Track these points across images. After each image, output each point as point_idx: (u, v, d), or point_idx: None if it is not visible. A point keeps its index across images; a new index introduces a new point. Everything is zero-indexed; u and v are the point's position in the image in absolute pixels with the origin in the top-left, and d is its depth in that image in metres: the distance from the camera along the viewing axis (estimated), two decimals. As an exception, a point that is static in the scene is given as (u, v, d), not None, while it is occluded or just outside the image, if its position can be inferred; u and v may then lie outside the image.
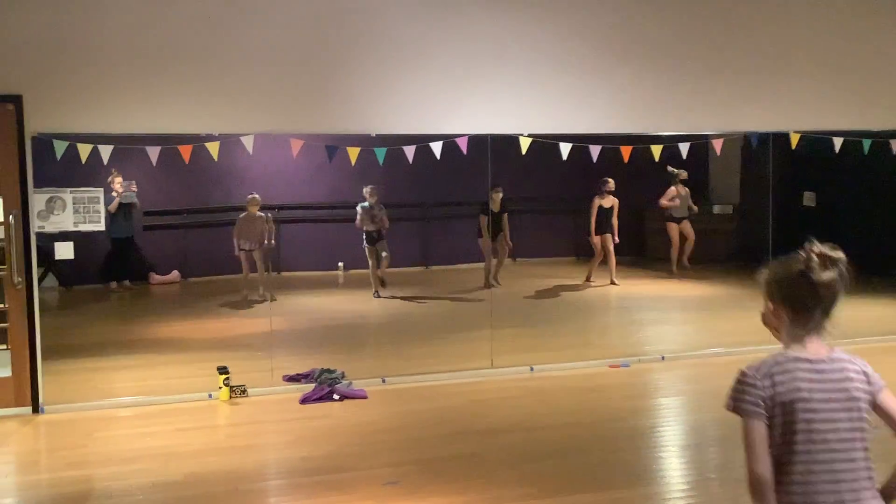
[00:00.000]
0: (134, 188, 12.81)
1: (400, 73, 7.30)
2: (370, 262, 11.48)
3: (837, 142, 8.53)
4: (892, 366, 7.58)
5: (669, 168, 12.49)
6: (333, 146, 7.23)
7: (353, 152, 7.26)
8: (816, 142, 8.70)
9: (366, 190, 11.25)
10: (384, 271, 11.55)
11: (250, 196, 11.68)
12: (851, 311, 8.53)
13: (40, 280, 12.54)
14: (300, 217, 14.49)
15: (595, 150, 7.86)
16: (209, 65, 6.82)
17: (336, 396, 6.85)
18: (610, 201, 12.07)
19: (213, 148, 6.86)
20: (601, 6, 7.79)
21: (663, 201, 12.76)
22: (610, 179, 11.93)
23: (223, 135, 6.85)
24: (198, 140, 6.84)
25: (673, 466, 5.44)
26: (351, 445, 5.72)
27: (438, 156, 7.45)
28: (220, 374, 6.90)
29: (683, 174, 12.69)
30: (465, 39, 7.45)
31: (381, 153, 7.41)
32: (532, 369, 7.69)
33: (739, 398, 2.39)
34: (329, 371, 7.30)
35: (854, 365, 2.48)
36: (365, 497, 4.76)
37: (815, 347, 2.47)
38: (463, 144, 7.44)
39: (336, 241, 14.81)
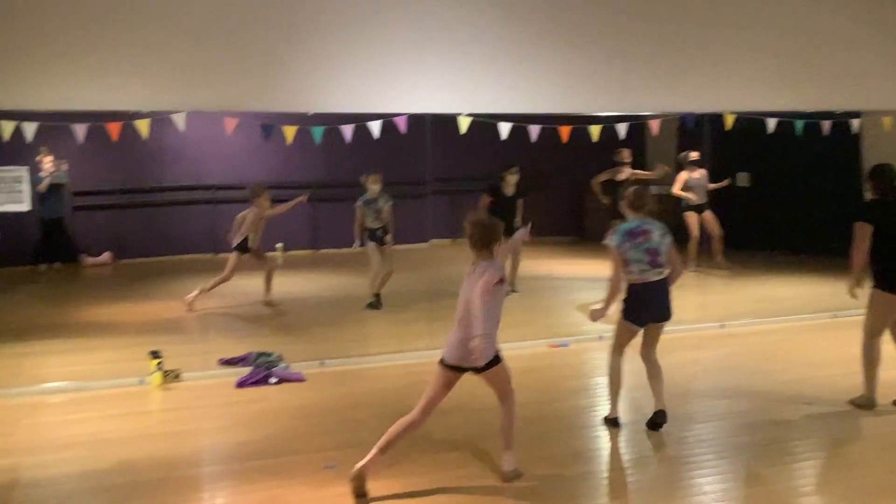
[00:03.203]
0: (65, 167, 12.44)
1: (338, 49, 7.13)
2: (373, 263, 9.46)
3: (771, 122, 8.65)
4: (816, 343, 7.82)
5: (682, 154, 11.91)
6: (269, 124, 7.05)
7: (290, 131, 7.11)
8: (751, 122, 8.83)
9: (367, 178, 9.25)
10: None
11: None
12: (782, 291, 8.78)
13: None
14: (239, 197, 14.21)
15: (534, 130, 7.84)
16: (139, 38, 6.52)
17: (273, 380, 6.73)
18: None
19: (143, 125, 6.64)
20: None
21: (675, 190, 11.71)
22: (624, 149, 11.04)
23: (153, 112, 6.64)
24: (126, 117, 6.62)
25: (611, 445, 5.46)
26: (288, 429, 5.62)
27: (377, 135, 7.35)
28: (152, 358, 6.72)
29: (694, 155, 11.77)
30: (406, 17, 7.31)
31: (318, 132, 7.27)
32: (472, 350, 7.66)
33: None
34: (266, 354, 7.17)
35: (488, 271, 4.50)
36: (303, 482, 4.69)
37: (474, 261, 4.57)
38: (402, 123, 7.34)
39: (275, 222, 14.57)
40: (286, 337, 8.18)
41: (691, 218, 11.86)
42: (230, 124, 6.84)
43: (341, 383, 6.76)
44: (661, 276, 5.44)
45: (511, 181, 9.91)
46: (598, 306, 5.47)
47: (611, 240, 5.43)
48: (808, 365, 7.05)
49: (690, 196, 11.73)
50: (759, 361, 7.23)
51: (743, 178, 14.72)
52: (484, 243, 4.55)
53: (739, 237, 14.37)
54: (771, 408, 5.98)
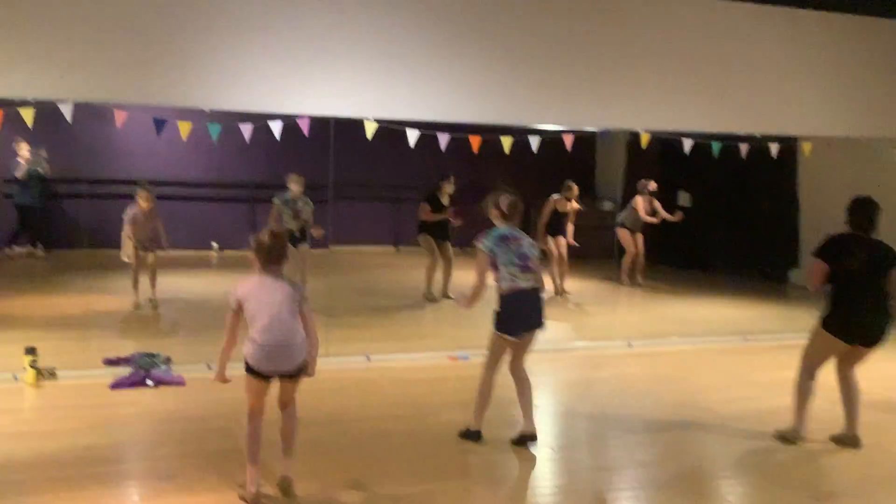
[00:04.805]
0: (43, 153, 12.39)
1: (240, 45, 6.93)
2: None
3: (687, 143, 8.58)
4: (718, 366, 7.72)
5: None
6: (162, 119, 6.86)
7: (184, 127, 6.92)
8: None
9: (290, 177, 9.35)
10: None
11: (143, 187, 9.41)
12: (700, 311, 8.68)
13: None
14: (173, 194, 13.99)
15: (443, 139, 7.70)
16: (26, 23, 6.32)
17: (150, 382, 6.54)
18: (568, 207, 10.96)
19: (27, 114, 6.42)
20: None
21: (648, 218, 12.04)
22: (574, 185, 10.98)
23: (38, 100, 6.41)
24: (10, 104, 6.40)
25: (477, 463, 5.30)
26: (143, 435, 5.44)
27: (278, 136, 7.19)
28: (27, 354, 6.50)
29: (653, 185, 12.09)
30: (312, 13, 7.15)
31: (214, 129, 7.09)
32: (368, 358, 7.52)
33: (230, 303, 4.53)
34: (151, 355, 6.98)
35: (291, 282, 4.62)
36: (133, 492, 4.52)
37: (272, 273, 4.54)
38: (304, 125, 7.18)
39: (211, 219, 14.37)
40: (182, 338, 8.02)
41: (625, 234, 12.12)
42: (119, 117, 6.64)
43: (222, 388, 6.41)
44: (532, 285, 5.38)
45: (447, 190, 10.28)
46: (464, 294, 5.48)
47: (483, 243, 5.36)
48: (698, 390, 6.94)
49: (652, 220, 12.12)
50: (652, 383, 7.13)
51: (684, 198, 14.71)
52: (281, 257, 4.58)
53: (675, 255, 14.38)
54: (640, 430, 5.88)
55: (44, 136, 11.38)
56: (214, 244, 14.34)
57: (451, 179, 10.32)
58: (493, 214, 5.51)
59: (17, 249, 12.75)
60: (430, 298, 10.40)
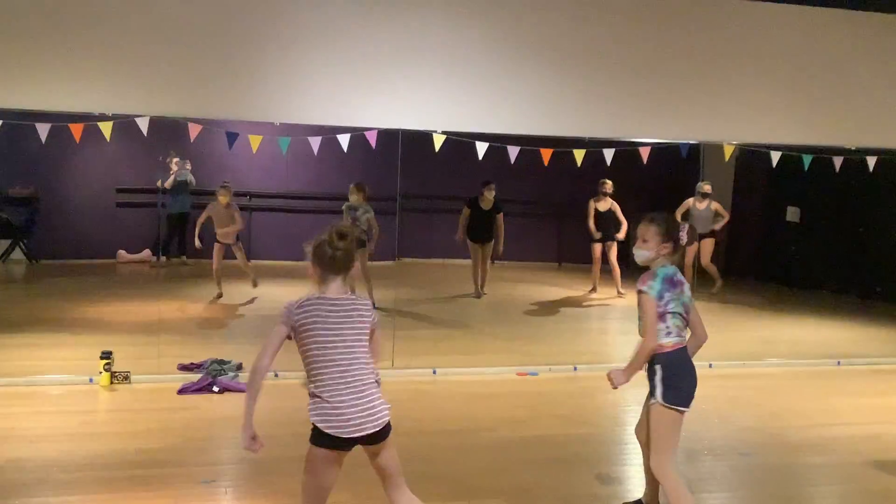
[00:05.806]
0: (188, 167, 13.11)
1: (310, 61, 7.11)
2: None
3: (775, 156, 8.20)
4: (801, 391, 7.30)
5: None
6: (234, 133, 7.06)
7: (255, 140, 7.11)
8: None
9: (350, 188, 9.91)
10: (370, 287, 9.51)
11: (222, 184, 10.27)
12: (794, 332, 8.19)
13: (6, 254, 12.74)
14: (274, 206, 14.36)
15: (513, 151, 7.62)
16: (105, 41, 6.64)
17: (216, 388, 6.71)
18: (606, 204, 11.35)
19: (106, 128, 6.73)
20: (528, 3, 7.54)
21: (676, 215, 11.60)
22: (607, 181, 11.21)
23: (116, 115, 6.72)
24: (90, 119, 6.73)
25: (519, 485, 5.18)
26: (196, 440, 5.57)
27: (345, 148, 7.28)
28: (102, 358, 6.79)
29: (707, 187, 11.70)
30: (380, 29, 7.23)
31: (284, 143, 7.24)
32: (434, 372, 7.49)
33: (280, 316, 3.49)
34: (222, 362, 7.17)
35: (362, 303, 3.61)
36: (173, 495, 4.61)
37: (334, 291, 3.54)
38: (372, 138, 7.24)
39: (310, 231, 14.63)
40: (257, 346, 8.17)
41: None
42: (194, 131, 6.87)
43: (285, 397, 6.58)
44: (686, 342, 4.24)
45: (489, 196, 10.87)
46: (617, 367, 4.39)
47: (650, 287, 4.10)
48: (771, 414, 6.58)
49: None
50: (724, 406, 6.80)
51: (792, 213, 14.06)
52: (349, 262, 3.57)
53: (778, 272, 13.77)
54: (698, 455, 5.61)
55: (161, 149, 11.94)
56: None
57: (491, 186, 10.85)
58: (658, 246, 4.16)
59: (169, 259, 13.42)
60: (476, 296, 11.32)
